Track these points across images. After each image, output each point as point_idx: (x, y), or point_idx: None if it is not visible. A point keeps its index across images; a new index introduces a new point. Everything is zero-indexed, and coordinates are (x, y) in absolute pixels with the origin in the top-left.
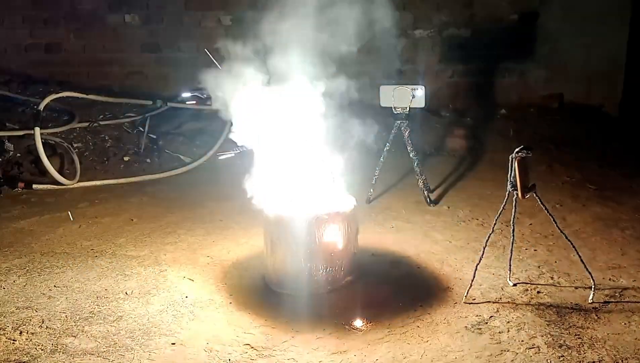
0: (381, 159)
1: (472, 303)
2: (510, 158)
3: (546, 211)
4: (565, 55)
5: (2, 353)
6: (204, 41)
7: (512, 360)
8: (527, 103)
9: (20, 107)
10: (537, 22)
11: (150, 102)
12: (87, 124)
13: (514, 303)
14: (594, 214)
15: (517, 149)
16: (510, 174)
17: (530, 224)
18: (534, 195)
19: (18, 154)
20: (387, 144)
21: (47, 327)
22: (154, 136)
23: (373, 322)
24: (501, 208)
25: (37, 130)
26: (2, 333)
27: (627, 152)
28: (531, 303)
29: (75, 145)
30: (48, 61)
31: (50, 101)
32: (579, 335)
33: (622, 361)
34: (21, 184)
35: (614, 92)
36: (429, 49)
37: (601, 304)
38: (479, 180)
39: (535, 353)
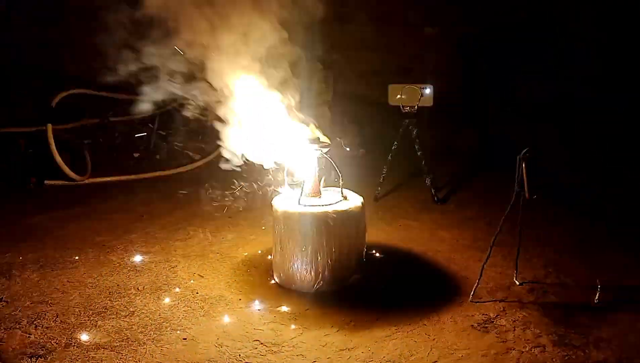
0: (389, 158)
1: (478, 302)
2: (517, 159)
3: (553, 211)
4: (577, 54)
5: (18, 347)
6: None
7: (518, 359)
8: (536, 102)
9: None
10: (548, 20)
11: (160, 99)
12: (97, 120)
13: (521, 302)
14: (601, 213)
15: (525, 150)
16: (518, 175)
17: (538, 224)
18: (541, 195)
19: (30, 150)
20: (395, 143)
21: (61, 321)
22: (164, 133)
23: (380, 319)
24: (508, 208)
25: (50, 126)
26: (17, 327)
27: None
28: (537, 302)
29: (86, 141)
30: (60, 56)
31: (62, 97)
32: (584, 334)
33: (626, 361)
34: (33, 180)
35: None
36: (439, 46)
37: (607, 304)
38: (486, 179)
39: (541, 352)
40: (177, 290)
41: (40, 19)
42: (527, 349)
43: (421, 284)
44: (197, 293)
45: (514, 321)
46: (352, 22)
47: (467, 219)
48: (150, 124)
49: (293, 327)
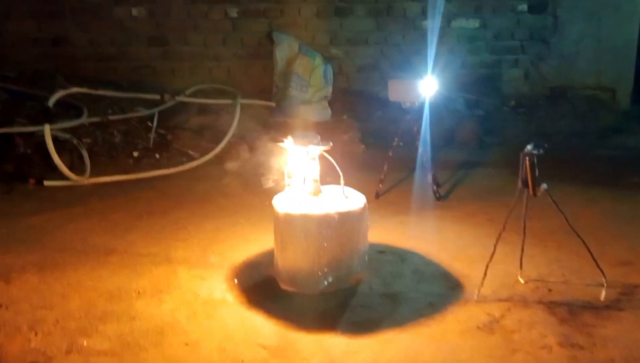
0: (390, 154)
1: (483, 301)
2: (520, 155)
3: (556, 207)
4: (576, 46)
5: (18, 353)
6: (211, 34)
7: (524, 360)
8: (536, 94)
9: (29, 102)
10: (546, 12)
11: (158, 97)
12: (95, 119)
13: (525, 301)
14: (603, 209)
15: (528, 146)
16: (521, 171)
17: (540, 219)
18: (545, 191)
19: (28, 150)
20: (396, 138)
21: (61, 326)
22: (163, 131)
23: (384, 320)
24: (512, 206)
25: (47, 127)
26: (17, 332)
27: (637, 144)
28: (542, 301)
29: (84, 140)
30: (55, 55)
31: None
32: (590, 333)
33: (634, 360)
34: (32, 181)
35: (625, 83)
36: (438, 40)
37: (612, 302)
38: (488, 174)
39: (548, 353)
40: (179, 292)
41: (36, 14)
42: (533, 350)
43: (425, 283)
44: (198, 296)
45: (519, 321)
46: (352, 15)
47: (469, 215)
48: (149, 123)
49: (296, 330)
